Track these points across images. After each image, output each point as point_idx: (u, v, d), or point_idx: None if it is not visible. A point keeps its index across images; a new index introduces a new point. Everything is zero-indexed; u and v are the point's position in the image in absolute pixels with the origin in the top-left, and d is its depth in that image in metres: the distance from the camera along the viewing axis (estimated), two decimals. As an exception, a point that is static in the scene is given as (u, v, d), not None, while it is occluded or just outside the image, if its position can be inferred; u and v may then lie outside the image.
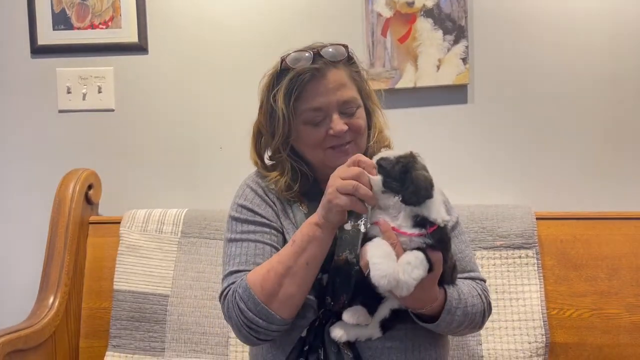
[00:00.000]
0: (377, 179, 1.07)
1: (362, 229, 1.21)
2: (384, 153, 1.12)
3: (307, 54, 1.21)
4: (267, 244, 1.24)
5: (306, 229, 1.14)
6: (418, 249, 1.04)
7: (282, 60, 1.23)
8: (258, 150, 1.33)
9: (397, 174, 1.06)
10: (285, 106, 1.20)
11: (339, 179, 1.09)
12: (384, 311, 1.16)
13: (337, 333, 1.14)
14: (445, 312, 1.15)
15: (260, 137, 1.32)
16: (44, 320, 1.68)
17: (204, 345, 1.70)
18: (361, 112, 1.26)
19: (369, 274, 1.03)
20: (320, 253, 1.14)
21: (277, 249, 1.23)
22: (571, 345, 1.65)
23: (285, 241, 1.25)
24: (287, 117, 1.21)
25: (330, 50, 1.22)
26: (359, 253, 1.13)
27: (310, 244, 1.13)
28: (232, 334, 1.66)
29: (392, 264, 1.02)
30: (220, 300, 1.23)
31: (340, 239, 1.21)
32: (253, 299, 1.14)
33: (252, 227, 1.25)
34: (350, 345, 1.16)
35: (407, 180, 1.05)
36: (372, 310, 1.15)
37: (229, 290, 1.20)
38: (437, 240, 1.06)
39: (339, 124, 1.20)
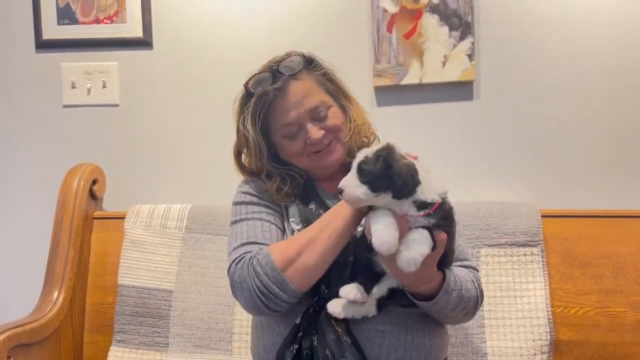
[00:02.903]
0: (363, 191, 1.07)
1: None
2: (361, 154, 1.11)
3: (266, 74, 1.25)
4: (273, 223, 1.28)
5: (335, 207, 1.19)
6: (424, 227, 1.07)
7: (245, 86, 1.27)
8: (242, 169, 1.38)
9: (381, 171, 1.07)
10: (253, 129, 1.25)
11: None
12: (382, 289, 1.18)
13: (335, 309, 1.16)
14: (443, 292, 1.16)
15: (241, 157, 1.37)
16: (49, 315, 1.68)
17: (207, 341, 1.71)
18: (334, 111, 1.29)
19: (371, 240, 1.06)
20: (343, 230, 1.16)
21: (281, 230, 1.28)
22: (576, 343, 1.65)
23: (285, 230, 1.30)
24: (256, 140, 1.26)
25: (286, 64, 1.25)
26: (362, 228, 1.17)
27: (335, 217, 1.17)
28: (236, 330, 1.68)
29: (393, 232, 1.05)
30: (229, 271, 1.23)
31: None
32: (271, 265, 1.16)
33: (257, 208, 1.30)
34: (348, 331, 1.17)
35: (393, 175, 1.06)
36: (368, 289, 1.17)
37: (243, 257, 1.21)
38: (441, 218, 1.09)
39: (314, 132, 1.25)
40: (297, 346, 1.17)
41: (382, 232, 1.05)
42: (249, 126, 1.25)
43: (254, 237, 1.25)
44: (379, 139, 1.41)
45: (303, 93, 1.25)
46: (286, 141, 1.28)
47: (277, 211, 1.31)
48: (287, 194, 1.31)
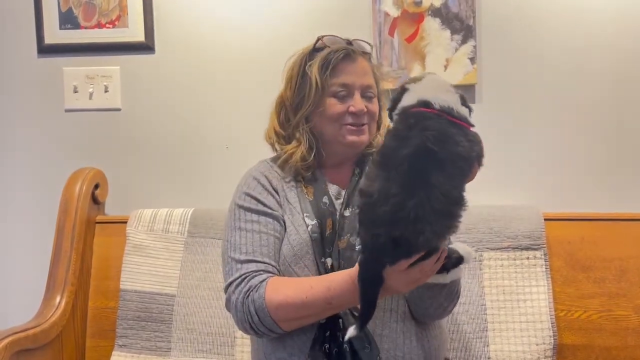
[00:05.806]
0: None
1: None
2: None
3: (341, 40, 1.36)
4: (270, 235, 1.30)
5: (347, 296, 1.17)
6: None
7: (319, 39, 1.35)
8: (281, 121, 1.40)
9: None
10: (319, 76, 1.31)
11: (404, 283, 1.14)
12: None
13: None
14: None
15: (283, 111, 1.39)
16: (51, 320, 1.68)
17: (210, 345, 1.70)
18: (376, 101, 1.38)
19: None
20: (347, 303, 1.21)
21: (279, 239, 1.30)
22: (579, 347, 1.64)
23: (284, 229, 1.31)
24: (320, 86, 1.31)
25: (360, 43, 1.38)
26: None
27: (343, 305, 1.21)
28: (238, 334, 1.68)
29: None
30: (227, 290, 1.26)
31: (340, 224, 1.28)
32: (264, 312, 1.20)
33: (256, 217, 1.31)
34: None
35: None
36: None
37: (242, 282, 1.24)
38: None
39: (360, 103, 1.32)
40: (327, 345, 1.21)
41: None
42: (314, 72, 1.31)
43: (252, 253, 1.27)
44: None
45: (365, 70, 1.36)
46: (332, 100, 1.33)
47: (275, 215, 1.32)
48: (308, 166, 1.34)
